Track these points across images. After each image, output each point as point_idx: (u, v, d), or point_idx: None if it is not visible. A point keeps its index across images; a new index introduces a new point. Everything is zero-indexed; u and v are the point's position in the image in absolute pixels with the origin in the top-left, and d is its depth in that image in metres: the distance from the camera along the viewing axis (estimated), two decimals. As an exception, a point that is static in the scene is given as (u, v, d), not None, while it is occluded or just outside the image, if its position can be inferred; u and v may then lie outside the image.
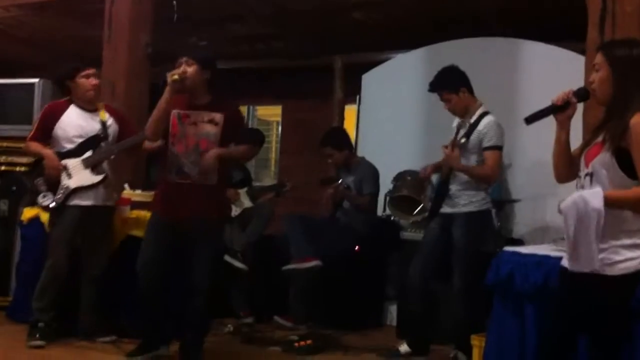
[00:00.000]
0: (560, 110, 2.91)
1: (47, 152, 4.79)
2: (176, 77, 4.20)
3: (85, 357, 4.54)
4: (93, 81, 4.87)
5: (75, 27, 7.14)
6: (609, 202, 2.66)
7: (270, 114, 9.72)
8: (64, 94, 4.95)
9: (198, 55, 4.37)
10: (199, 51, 4.61)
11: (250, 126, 9.04)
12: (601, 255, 2.70)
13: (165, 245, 4.33)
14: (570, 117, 2.92)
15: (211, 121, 4.34)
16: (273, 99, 9.04)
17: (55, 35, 7.50)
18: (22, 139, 5.05)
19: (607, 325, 2.78)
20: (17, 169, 5.87)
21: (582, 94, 2.92)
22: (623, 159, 2.72)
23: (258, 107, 9.67)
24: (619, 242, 2.72)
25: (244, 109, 9.65)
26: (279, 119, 9.28)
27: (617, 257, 2.71)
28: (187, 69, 4.27)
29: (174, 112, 4.35)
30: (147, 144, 4.83)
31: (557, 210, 2.78)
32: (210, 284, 4.36)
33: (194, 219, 4.27)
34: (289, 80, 8.43)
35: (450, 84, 4.62)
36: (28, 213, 5.30)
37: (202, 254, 4.31)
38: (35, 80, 5.94)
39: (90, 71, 4.87)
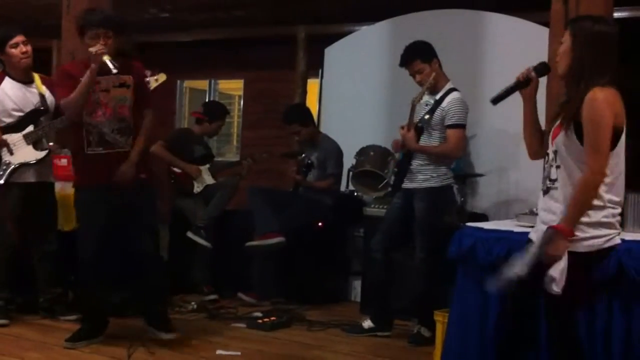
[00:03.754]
0: (523, 86, 2.99)
1: None
2: (107, 57, 3.99)
3: (50, 336, 4.45)
4: (23, 49, 4.60)
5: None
6: (570, 229, 2.70)
7: (232, 87, 9.62)
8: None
9: (112, 25, 4.17)
10: (111, 19, 4.30)
11: (212, 99, 8.96)
12: None
13: (102, 223, 4.22)
14: (534, 91, 2.99)
15: (122, 85, 4.22)
16: (234, 70, 8.94)
17: (9, 3, 7.28)
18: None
19: (566, 299, 2.79)
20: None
21: (540, 69, 3.01)
22: (581, 133, 2.74)
23: (220, 81, 9.57)
24: (583, 219, 2.74)
25: (205, 83, 9.54)
26: (241, 92, 9.20)
27: (581, 235, 2.74)
28: (108, 41, 4.10)
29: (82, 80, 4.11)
30: None
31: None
32: (154, 247, 4.35)
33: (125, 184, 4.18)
34: (251, 50, 8.33)
35: (423, 53, 4.58)
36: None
37: (139, 218, 4.26)
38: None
39: (19, 39, 4.59)
